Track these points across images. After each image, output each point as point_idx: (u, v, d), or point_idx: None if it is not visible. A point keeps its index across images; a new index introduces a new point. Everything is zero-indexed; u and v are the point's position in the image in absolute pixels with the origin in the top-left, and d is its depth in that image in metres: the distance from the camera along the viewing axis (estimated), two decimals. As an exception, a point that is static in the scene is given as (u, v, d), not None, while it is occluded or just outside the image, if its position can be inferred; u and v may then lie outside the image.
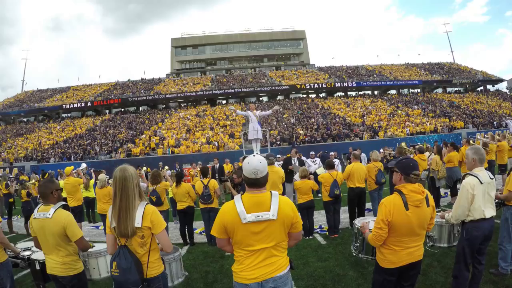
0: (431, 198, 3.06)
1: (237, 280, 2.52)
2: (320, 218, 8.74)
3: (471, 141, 10.56)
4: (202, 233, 8.24)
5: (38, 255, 4.23)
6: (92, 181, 10.63)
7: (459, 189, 3.83)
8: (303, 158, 11.93)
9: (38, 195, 9.92)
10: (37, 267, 4.09)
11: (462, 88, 48.28)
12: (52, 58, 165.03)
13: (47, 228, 3.21)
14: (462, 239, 3.78)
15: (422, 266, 3.17)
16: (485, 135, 15.24)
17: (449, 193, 9.91)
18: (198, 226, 8.80)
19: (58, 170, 17.90)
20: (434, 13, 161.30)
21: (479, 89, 48.62)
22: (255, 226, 2.44)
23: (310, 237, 7.31)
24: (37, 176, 13.49)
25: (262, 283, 2.44)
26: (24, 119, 46.16)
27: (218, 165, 14.42)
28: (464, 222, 3.77)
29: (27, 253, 4.62)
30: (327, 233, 7.50)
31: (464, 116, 34.29)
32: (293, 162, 10.53)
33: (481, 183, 3.66)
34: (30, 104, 45.67)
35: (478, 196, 3.64)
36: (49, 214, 3.21)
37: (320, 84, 45.29)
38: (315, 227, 7.83)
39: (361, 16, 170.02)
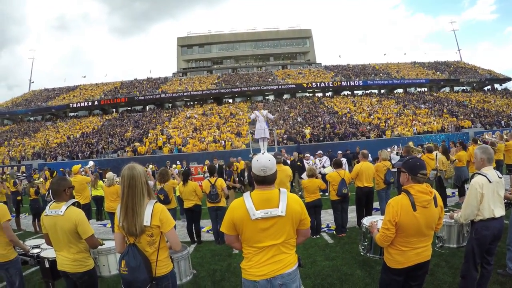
0: (439, 198, 3.02)
1: (245, 276, 2.54)
2: (327, 217, 8.73)
3: (478, 141, 10.50)
4: (210, 231, 8.26)
5: (47, 253, 4.27)
6: (100, 182, 10.70)
7: (467, 189, 3.80)
8: (311, 157, 11.91)
9: (46, 193, 10.06)
10: (47, 265, 4.13)
11: (469, 87, 47.82)
12: (58, 57, 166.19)
13: (58, 225, 3.25)
14: (472, 238, 3.75)
15: (430, 266, 3.15)
16: (493, 135, 15.10)
17: (456, 193, 9.86)
18: (205, 224, 8.84)
19: (61, 169, 18.08)
20: (443, 12, 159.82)
21: (486, 88, 48.16)
22: (264, 222, 2.46)
23: (318, 236, 7.31)
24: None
25: (270, 280, 2.46)
26: (32, 118, 46.57)
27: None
28: (473, 222, 3.74)
29: (36, 250, 4.67)
30: (334, 232, 7.50)
31: (471, 115, 33.96)
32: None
33: (490, 182, 3.64)
34: (37, 103, 46.18)
35: (487, 195, 3.62)
36: (61, 212, 3.25)
37: (326, 83, 45.11)
38: (322, 226, 7.83)
39: (369, 14, 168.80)
